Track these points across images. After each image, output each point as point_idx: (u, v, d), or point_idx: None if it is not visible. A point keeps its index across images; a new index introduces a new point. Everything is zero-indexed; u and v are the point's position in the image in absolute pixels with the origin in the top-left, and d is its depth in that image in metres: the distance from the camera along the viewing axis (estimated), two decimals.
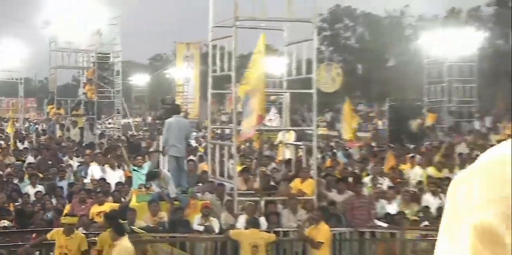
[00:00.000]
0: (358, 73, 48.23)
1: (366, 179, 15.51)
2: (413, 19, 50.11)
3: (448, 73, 34.63)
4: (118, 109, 32.69)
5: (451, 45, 34.54)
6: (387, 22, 50.67)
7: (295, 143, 16.15)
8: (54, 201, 13.29)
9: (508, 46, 37.86)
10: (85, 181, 15.07)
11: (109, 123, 33.55)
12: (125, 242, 9.61)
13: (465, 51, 34.56)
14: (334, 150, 22.48)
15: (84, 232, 10.53)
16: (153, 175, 13.11)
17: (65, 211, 11.67)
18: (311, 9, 13.99)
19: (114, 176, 14.92)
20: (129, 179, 14.94)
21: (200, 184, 14.15)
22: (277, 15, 14.36)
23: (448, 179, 16.51)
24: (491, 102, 38.87)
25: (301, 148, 15.33)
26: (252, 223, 10.98)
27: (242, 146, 17.00)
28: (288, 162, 15.57)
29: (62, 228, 10.01)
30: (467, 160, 20.00)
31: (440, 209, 14.05)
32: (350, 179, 14.70)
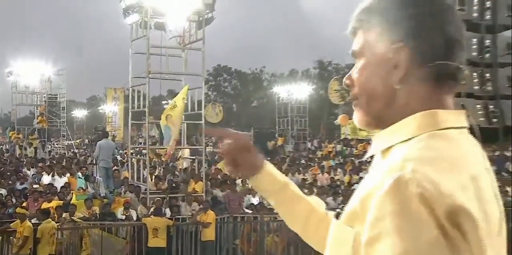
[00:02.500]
0: (233, 111, 48.84)
1: (238, 181, 15.50)
2: (268, 76, 51.42)
3: (290, 111, 35.61)
4: (63, 134, 33.31)
5: (292, 93, 35.70)
6: (251, 77, 51.83)
7: (190, 157, 16.05)
8: (14, 200, 12.69)
9: (327, 95, 39.73)
10: (35, 186, 14.41)
11: (56, 144, 32.94)
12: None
13: (301, 97, 35.77)
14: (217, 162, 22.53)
15: (37, 222, 9.86)
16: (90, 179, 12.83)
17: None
18: (201, 67, 13.98)
19: (60, 182, 14.30)
20: (69, 184, 14.38)
21: (123, 186, 13.69)
22: (178, 70, 14.22)
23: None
24: (317, 130, 40.13)
25: (194, 161, 15.11)
26: (158, 213, 10.75)
27: (153, 159, 16.56)
28: (185, 170, 15.50)
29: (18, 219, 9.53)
30: (304, 167, 20.51)
31: None
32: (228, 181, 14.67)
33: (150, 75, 13.21)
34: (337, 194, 14.48)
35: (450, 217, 0.83)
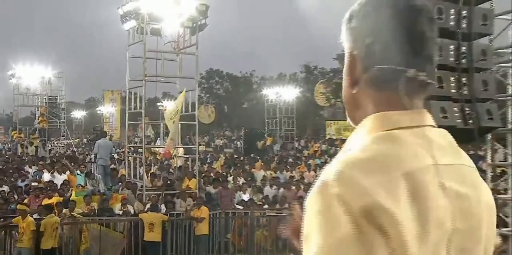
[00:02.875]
0: (224, 112, 48.69)
1: (230, 178, 15.53)
2: (258, 79, 51.39)
3: (279, 112, 35.63)
4: (62, 133, 32.86)
5: (280, 95, 35.72)
6: (242, 80, 51.74)
7: (184, 155, 15.98)
8: (16, 196, 12.58)
9: (313, 97, 39.77)
10: (34, 184, 14.21)
11: (56, 143, 32.66)
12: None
13: (289, 99, 35.79)
14: (209, 160, 22.56)
15: (38, 217, 9.87)
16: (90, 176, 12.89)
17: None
18: (194, 70, 14.02)
19: (60, 179, 14.18)
20: (69, 181, 14.25)
21: (120, 183, 13.64)
22: (172, 74, 14.21)
23: (278, 178, 16.88)
24: (304, 130, 40.16)
25: (188, 159, 15.07)
26: (154, 208, 10.75)
27: (149, 158, 16.52)
28: (180, 168, 15.44)
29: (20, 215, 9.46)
30: (292, 165, 20.54)
31: (275, 197, 14.24)
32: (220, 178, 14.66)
33: (146, 78, 13.24)
34: None
35: (365, 214, 0.86)
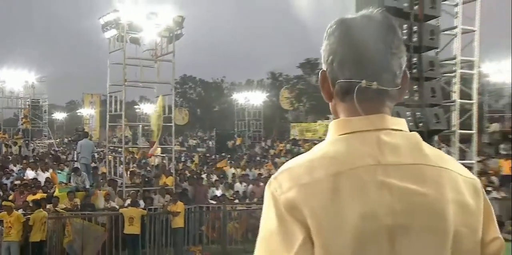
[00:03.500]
0: (197, 114, 48.40)
1: (204, 176, 15.47)
2: (228, 84, 51.36)
3: (247, 115, 35.71)
4: (45, 134, 32.19)
5: (249, 99, 35.85)
6: (213, 85, 51.59)
7: (161, 155, 15.82)
8: (1, 193, 12.23)
9: (278, 102, 39.90)
10: (16, 182, 13.72)
11: (39, 143, 31.56)
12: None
13: (256, 103, 35.95)
14: (183, 159, 22.42)
15: (24, 212, 9.66)
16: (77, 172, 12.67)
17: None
18: (171, 76, 13.98)
19: (43, 177, 13.86)
20: (51, 179, 13.93)
21: (101, 180, 13.39)
22: (150, 79, 14.07)
23: (248, 175, 16.92)
24: (270, 131, 40.30)
25: (165, 158, 14.95)
26: (133, 204, 10.65)
27: (127, 157, 16.29)
28: (157, 166, 15.31)
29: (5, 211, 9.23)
30: (260, 163, 20.63)
31: (244, 193, 14.29)
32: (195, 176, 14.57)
33: (126, 83, 13.09)
34: None
35: (287, 209, 0.92)
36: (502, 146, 19.41)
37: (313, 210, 0.91)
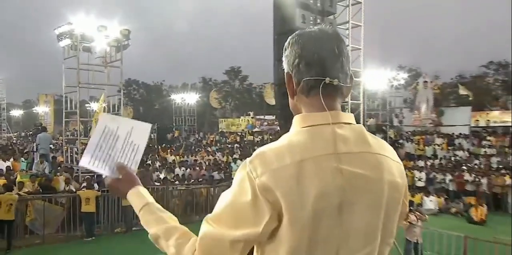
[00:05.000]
0: (140, 112, 46.67)
1: (149, 162, 15.12)
2: (166, 87, 49.84)
3: (183, 112, 35.21)
4: (4, 129, 28.73)
5: (184, 99, 35.25)
6: (154, 87, 49.97)
7: None
8: None
9: (208, 101, 39.46)
10: None
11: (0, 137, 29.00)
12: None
13: (191, 102, 35.52)
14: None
15: None
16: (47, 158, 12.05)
17: None
18: (118, 79, 13.55)
19: (4, 165, 12.78)
20: (12, 167, 12.98)
21: (59, 168, 12.63)
22: (101, 82, 13.44)
23: (187, 161, 16.72)
24: (202, 125, 39.99)
25: None
26: (89, 187, 10.18)
27: (81, 147, 15.45)
28: None
29: None
30: (195, 151, 20.43)
31: (183, 175, 14.14)
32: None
33: (79, 85, 12.55)
34: (220, 169, 14.72)
35: (261, 191, 0.92)
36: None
37: (283, 191, 0.91)
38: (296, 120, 1.03)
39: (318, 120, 1.00)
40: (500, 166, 15.15)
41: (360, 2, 8.16)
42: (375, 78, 22.30)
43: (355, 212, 0.94)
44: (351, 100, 8.05)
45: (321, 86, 1.00)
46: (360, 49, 8.65)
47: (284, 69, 1.08)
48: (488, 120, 23.29)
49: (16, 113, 47.59)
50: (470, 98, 25.94)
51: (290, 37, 1.07)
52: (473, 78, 30.73)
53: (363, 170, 0.96)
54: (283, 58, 1.08)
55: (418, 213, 6.95)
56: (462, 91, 26.55)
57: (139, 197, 1.20)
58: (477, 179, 13.67)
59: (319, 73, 1.00)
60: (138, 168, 1.27)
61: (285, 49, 1.07)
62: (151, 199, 1.21)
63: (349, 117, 1.03)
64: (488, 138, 19.42)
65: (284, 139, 0.99)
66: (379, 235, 0.99)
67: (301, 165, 0.92)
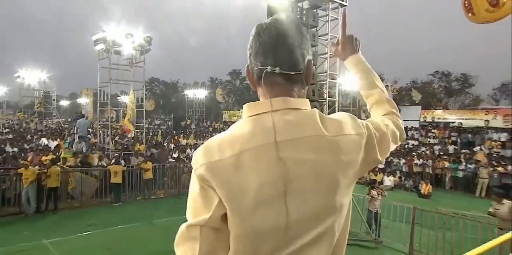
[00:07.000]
0: (160, 104, 46.28)
1: (165, 144, 14.92)
2: (181, 84, 49.37)
3: (195, 104, 34.75)
4: (54, 115, 29.25)
5: (196, 94, 34.81)
6: (171, 85, 49.49)
7: (136, 130, 14.94)
8: (22, 154, 11.08)
9: (215, 96, 38.99)
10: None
11: (50, 121, 29.27)
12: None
13: (201, 97, 35.17)
14: (151, 134, 21.49)
15: (39, 168, 8.68)
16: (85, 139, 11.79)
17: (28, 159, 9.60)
18: (142, 77, 13.25)
19: (53, 144, 12.64)
20: (58, 145, 12.79)
21: (94, 147, 12.45)
22: (128, 79, 13.18)
23: (197, 144, 16.53)
24: (209, 115, 39.80)
25: (138, 132, 14.18)
26: (117, 163, 10.08)
27: (112, 131, 15.26)
28: (133, 138, 14.47)
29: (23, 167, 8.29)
30: (204, 136, 20.22)
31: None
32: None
33: (111, 81, 12.35)
34: None
35: (200, 180, 0.79)
36: None
37: (219, 182, 0.77)
38: (244, 109, 0.85)
39: (260, 108, 0.82)
40: (441, 153, 15.24)
41: (337, 19, 8.00)
42: (349, 81, 22.14)
43: (302, 198, 0.76)
44: (329, 97, 7.91)
45: (263, 75, 0.83)
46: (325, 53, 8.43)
47: None
48: (433, 117, 23.44)
49: (64, 103, 47.44)
50: (416, 101, 26.29)
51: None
52: (423, 84, 31.87)
53: (311, 155, 0.77)
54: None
55: (378, 189, 6.92)
56: (414, 93, 26.63)
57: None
58: (424, 163, 13.78)
59: (263, 63, 0.83)
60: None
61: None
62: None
63: (301, 102, 0.83)
64: (433, 131, 19.52)
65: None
66: (332, 213, 0.79)
67: (240, 156, 0.77)
